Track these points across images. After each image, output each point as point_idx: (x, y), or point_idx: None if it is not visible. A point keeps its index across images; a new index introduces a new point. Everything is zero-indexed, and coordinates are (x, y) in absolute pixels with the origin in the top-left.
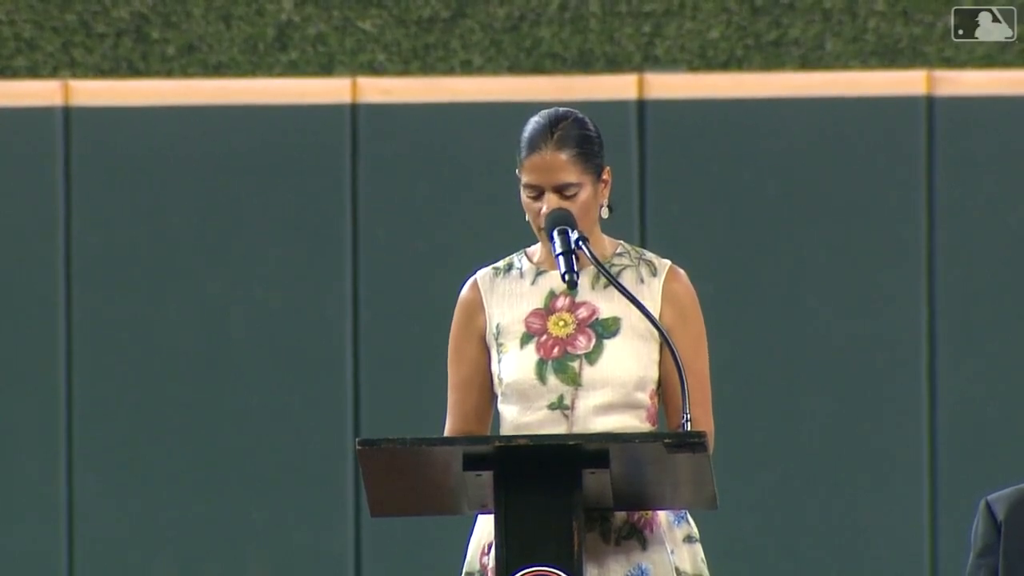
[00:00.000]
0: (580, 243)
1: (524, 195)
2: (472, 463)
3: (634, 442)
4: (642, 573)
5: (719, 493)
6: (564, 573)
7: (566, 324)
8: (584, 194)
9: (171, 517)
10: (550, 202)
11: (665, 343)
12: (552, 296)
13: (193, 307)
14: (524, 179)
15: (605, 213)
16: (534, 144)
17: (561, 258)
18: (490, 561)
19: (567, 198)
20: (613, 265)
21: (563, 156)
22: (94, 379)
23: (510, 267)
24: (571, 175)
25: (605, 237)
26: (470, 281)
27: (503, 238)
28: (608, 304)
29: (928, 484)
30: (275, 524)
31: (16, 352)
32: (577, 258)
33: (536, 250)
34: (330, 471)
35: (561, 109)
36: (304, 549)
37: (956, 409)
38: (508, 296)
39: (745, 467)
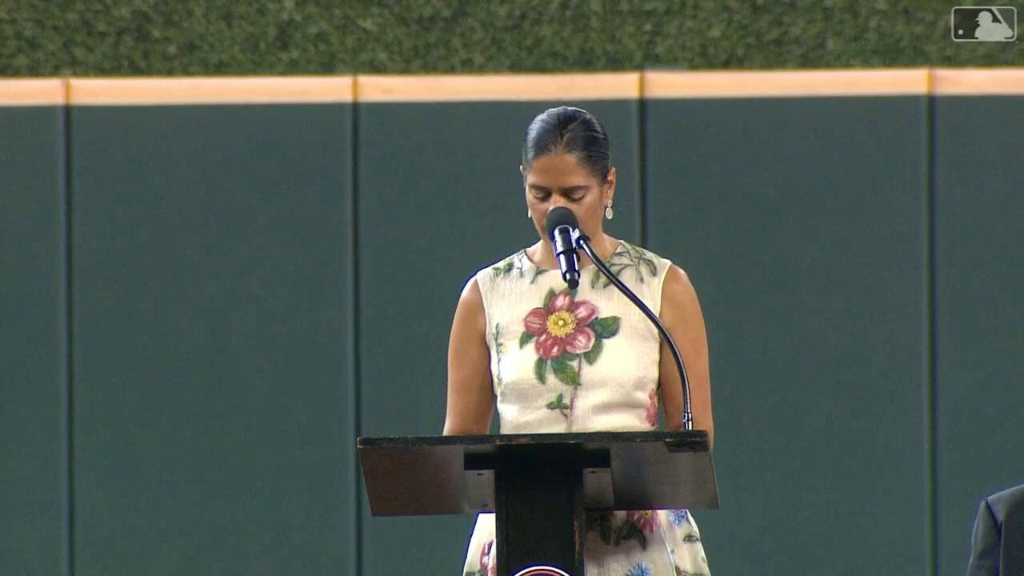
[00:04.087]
0: (581, 242)
1: (531, 195)
2: (473, 462)
3: (635, 441)
4: (642, 573)
5: (720, 492)
6: (565, 572)
7: (565, 323)
8: (591, 196)
9: (171, 517)
10: (557, 204)
11: (666, 342)
12: (552, 295)
13: (193, 307)
14: (531, 180)
15: (610, 214)
16: (543, 145)
17: (562, 257)
18: (490, 560)
19: (574, 200)
20: (613, 264)
21: (572, 159)
22: (94, 379)
23: (510, 267)
24: (579, 178)
25: (606, 237)
26: (471, 282)
27: (504, 237)
28: (608, 303)
29: (928, 484)
30: (275, 524)
31: (16, 352)
32: (578, 257)
33: (536, 249)
34: (330, 471)
35: (569, 109)
36: (304, 549)
37: (956, 409)
38: (508, 296)
39: (746, 467)
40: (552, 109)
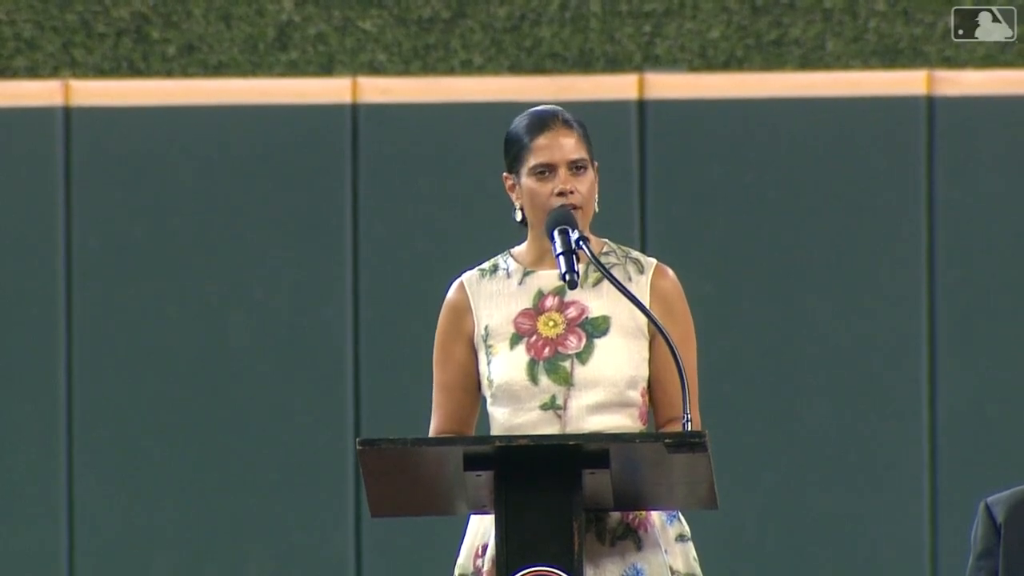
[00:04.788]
0: (580, 243)
1: (531, 181)
2: (472, 463)
3: (634, 442)
4: (637, 573)
5: (719, 493)
6: (564, 573)
7: (556, 324)
8: (591, 173)
9: (171, 517)
10: (563, 178)
11: (665, 342)
12: (540, 296)
13: (193, 307)
14: (533, 161)
15: (596, 206)
16: (543, 124)
17: (562, 258)
18: (484, 563)
19: (578, 173)
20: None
21: (573, 135)
22: (94, 379)
23: (496, 268)
24: (582, 151)
25: (592, 236)
26: (456, 283)
27: (503, 238)
28: (597, 303)
29: (928, 484)
30: (275, 524)
31: (16, 352)
32: (577, 258)
33: (522, 250)
34: (330, 471)
35: (548, 105)
36: (304, 549)
37: (956, 409)
38: (495, 297)
39: (745, 467)
40: (530, 109)
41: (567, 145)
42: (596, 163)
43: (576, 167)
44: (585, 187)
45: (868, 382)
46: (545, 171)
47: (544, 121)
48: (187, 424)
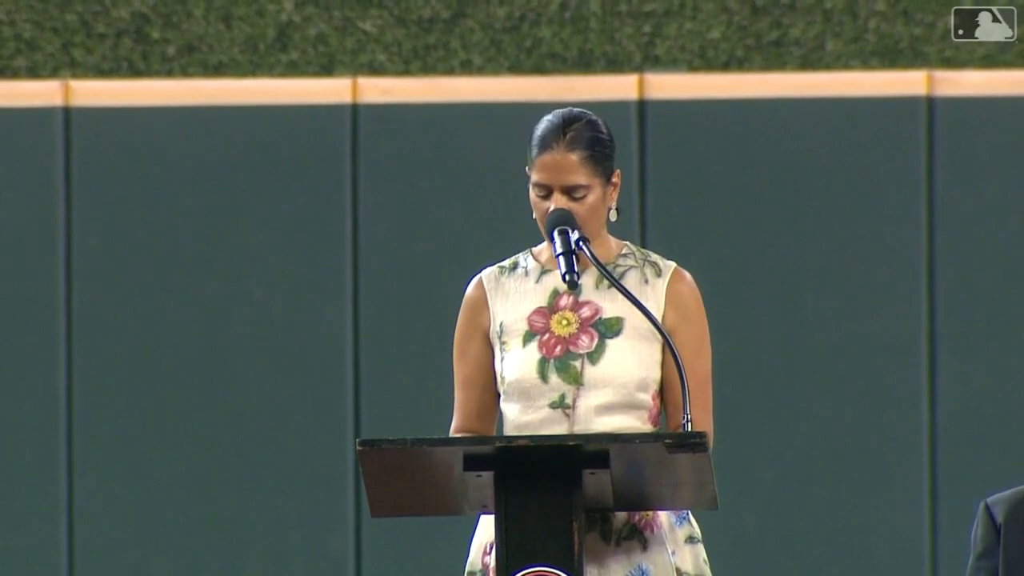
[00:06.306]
0: (580, 243)
1: (533, 194)
2: (472, 463)
3: (634, 442)
4: (643, 574)
5: (719, 493)
6: (564, 573)
7: (569, 323)
8: (592, 196)
9: (171, 517)
10: (558, 202)
11: (666, 343)
12: (556, 295)
13: (193, 307)
14: (534, 178)
15: (613, 216)
16: (546, 143)
17: (561, 258)
18: (492, 560)
19: (576, 199)
20: (617, 266)
21: (574, 157)
22: (94, 379)
23: (515, 266)
24: (581, 177)
25: (611, 238)
26: (475, 279)
27: (504, 238)
28: (611, 304)
29: (928, 484)
30: (275, 524)
31: (16, 352)
32: (578, 258)
33: (542, 249)
34: (330, 471)
35: (575, 110)
36: (304, 549)
37: (956, 409)
38: (512, 294)
39: (745, 467)
40: (559, 110)
41: (564, 169)
42: (618, 171)
43: (572, 194)
44: (583, 211)
45: (868, 382)
46: (543, 191)
47: (548, 140)
48: (187, 424)
